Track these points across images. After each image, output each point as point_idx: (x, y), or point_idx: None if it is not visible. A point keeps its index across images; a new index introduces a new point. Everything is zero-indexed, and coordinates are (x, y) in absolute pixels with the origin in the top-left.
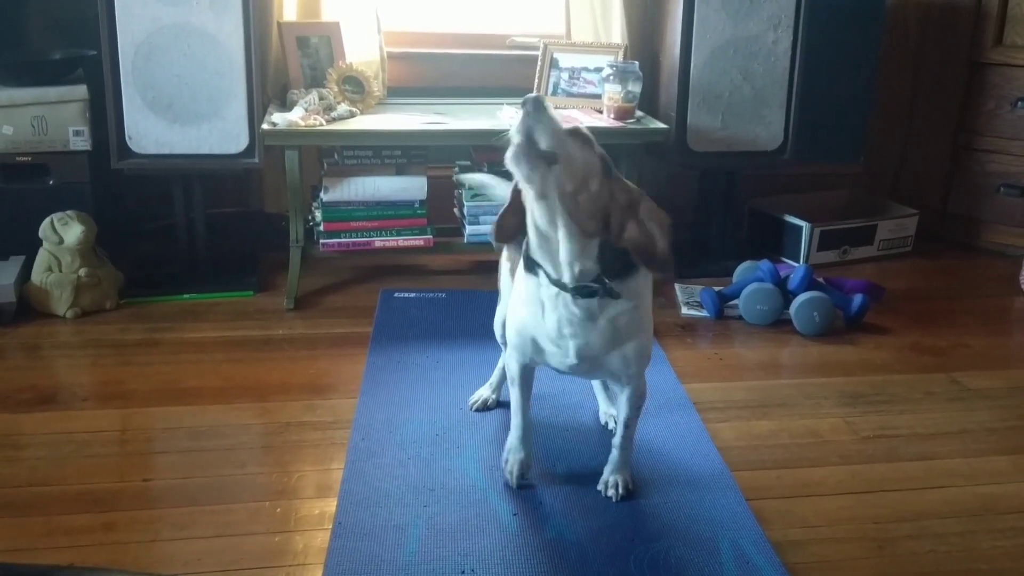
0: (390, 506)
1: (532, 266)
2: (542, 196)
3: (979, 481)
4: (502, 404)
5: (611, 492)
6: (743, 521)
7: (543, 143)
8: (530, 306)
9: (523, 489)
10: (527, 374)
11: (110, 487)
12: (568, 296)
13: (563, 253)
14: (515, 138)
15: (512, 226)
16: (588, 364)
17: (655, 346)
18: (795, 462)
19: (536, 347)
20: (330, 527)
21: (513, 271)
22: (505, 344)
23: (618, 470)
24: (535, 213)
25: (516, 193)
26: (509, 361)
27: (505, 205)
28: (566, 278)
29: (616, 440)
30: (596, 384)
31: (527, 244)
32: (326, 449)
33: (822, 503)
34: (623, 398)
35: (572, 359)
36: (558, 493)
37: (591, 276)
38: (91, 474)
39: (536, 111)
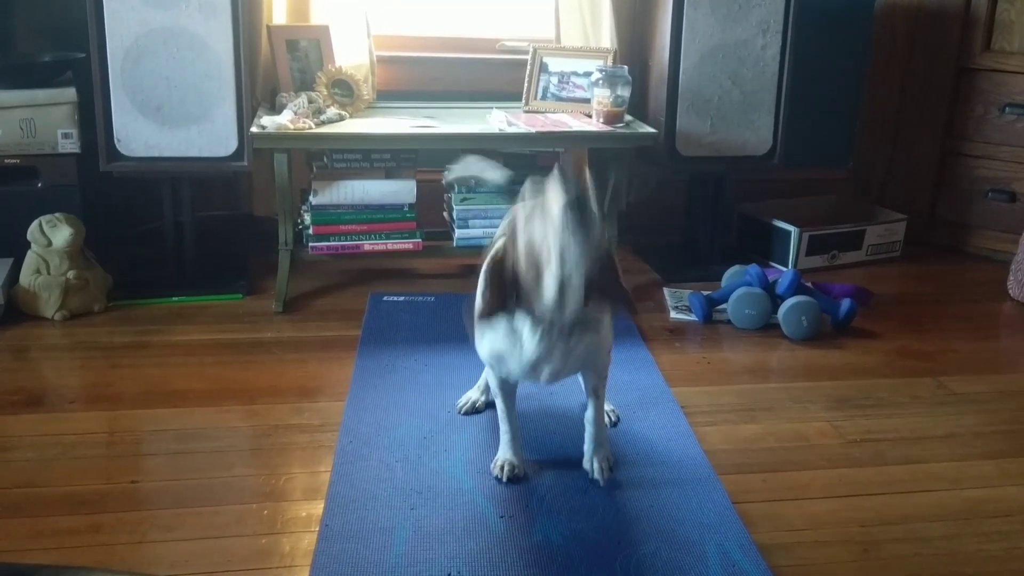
0: (377, 509)
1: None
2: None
3: (965, 485)
4: (490, 407)
5: (597, 476)
6: (729, 524)
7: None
8: (504, 339)
9: (512, 486)
10: (508, 386)
11: (97, 489)
12: (553, 333)
13: (577, 295)
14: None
15: (498, 302)
16: (561, 376)
17: (644, 350)
18: (782, 465)
19: (507, 370)
20: (317, 529)
21: None
22: None
23: (598, 448)
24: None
25: (496, 271)
26: (490, 376)
27: (486, 287)
28: (565, 321)
29: (589, 414)
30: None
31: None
32: (314, 452)
33: (808, 506)
34: (590, 372)
35: (545, 379)
36: (545, 495)
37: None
38: (79, 476)
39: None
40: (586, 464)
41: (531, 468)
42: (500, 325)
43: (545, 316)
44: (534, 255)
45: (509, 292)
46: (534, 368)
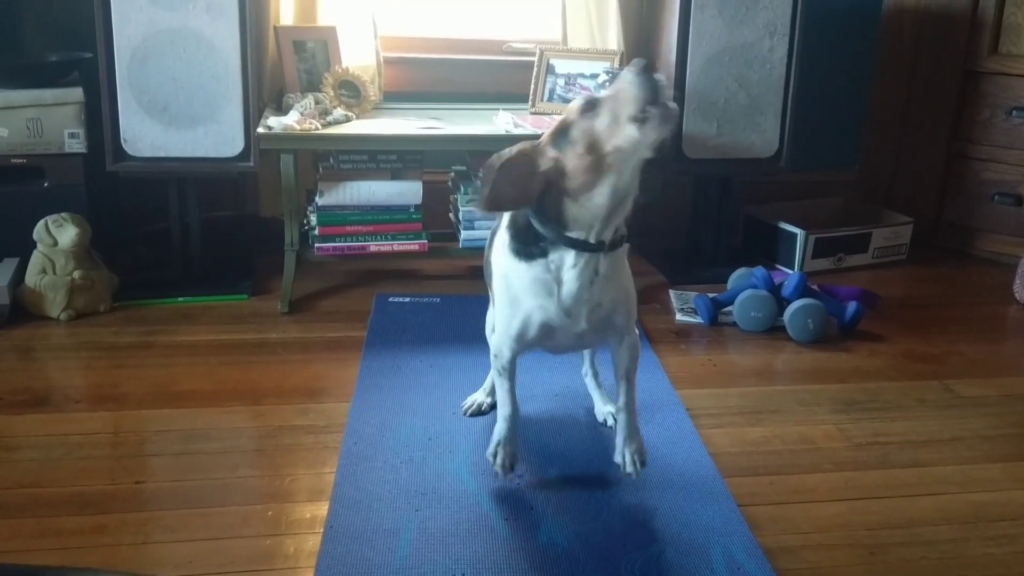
0: (382, 510)
1: (535, 253)
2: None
3: (971, 488)
4: (495, 408)
5: (630, 469)
6: (735, 527)
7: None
8: (537, 294)
9: (516, 487)
10: (513, 367)
11: (102, 489)
12: (600, 255)
13: (625, 210)
14: (656, 104)
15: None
16: (594, 327)
17: (649, 352)
18: (788, 468)
19: (542, 333)
20: (321, 531)
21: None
22: None
23: (631, 438)
24: (624, 176)
25: (539, 159)
26: (502, 352)
27: (519, 169)
28: (609, 234)
29: (621, 402)
30: (590, 382)
31: (517, 238)
32: (319, 453)
33: (814, 509)
34: (623, 351)
35: (583, 325)
36: (550, 497)
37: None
38: (83, 476)
39: (649, 72)
40: (617, 457)
41: (535, 470)
42: (530, 281)
43: (597, 222)
44: (595, 147)
45: (540, 206)
46: (575, 310)
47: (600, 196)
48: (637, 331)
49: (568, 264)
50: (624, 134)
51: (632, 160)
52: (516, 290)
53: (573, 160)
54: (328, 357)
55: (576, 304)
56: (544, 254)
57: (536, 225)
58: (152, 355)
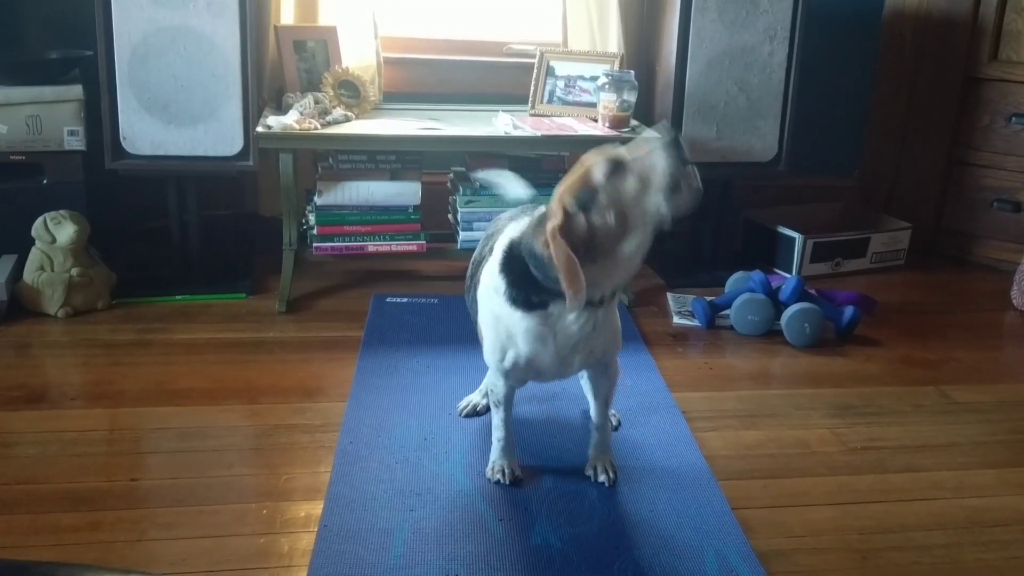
0: (376, 509)
1: (534, 304)
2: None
3: (965, 494)
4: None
5: (602, 478)
6: (728, 530)
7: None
8: (532, 340)
9: (511, 489)
10: (512, 394)
11: (97, 486)
12: (595, 308)
13: (636, 270)
14: (688, 180)
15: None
16: (581, 366)
17: (646, 355)
18: (782, 472)
19: (535, 372)
20: (316, 529)
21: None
22: None
23: (603, 452)
24: (644, 242)
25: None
26: (497, 387)
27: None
28: (615, 289)
29: (598, 421)
30: (585, 384)
31: (515, 286)
32: (314, 452)
33: (808, 513)
34: (603, 379)
35: (576, 368)
36: (544, 499)
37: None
38: (79, 473)
39: (678, 142)
40: (588, 471)
41: (530, 472)
42: (526, 329)
43: (610, 283)
44: (622, 214)
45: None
46: (569, 357)
47: (620, 260)
48: (618, 359)
49: (569, 320)
50: (653, 205)
51: (652, 227)
52: (510, 333)
53: (602, 227)
54: (325, 357)
55: (571, 354)
56: (543, 306)
57: (539, 277)
58: (149, 353)
